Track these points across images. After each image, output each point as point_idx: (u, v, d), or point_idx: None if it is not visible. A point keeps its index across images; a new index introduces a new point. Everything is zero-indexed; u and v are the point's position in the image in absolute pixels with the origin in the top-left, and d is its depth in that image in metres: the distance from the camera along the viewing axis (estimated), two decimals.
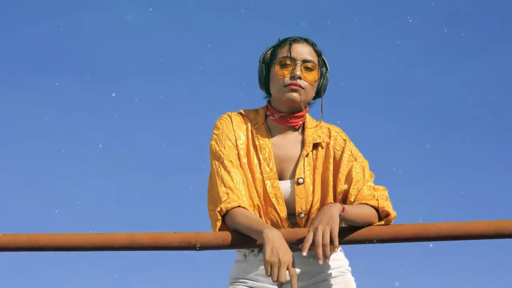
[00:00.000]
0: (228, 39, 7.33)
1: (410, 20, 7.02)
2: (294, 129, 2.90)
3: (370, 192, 2.72)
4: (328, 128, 2.91)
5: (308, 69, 2.83)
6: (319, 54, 2.89)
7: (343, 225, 2.68)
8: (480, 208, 6.59)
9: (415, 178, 6.88)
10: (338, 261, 2.88)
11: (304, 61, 2.83)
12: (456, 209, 6.46)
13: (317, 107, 2.94)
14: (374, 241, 2.67)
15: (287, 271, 2.47)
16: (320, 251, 2.48)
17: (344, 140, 2.88)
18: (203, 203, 2.90)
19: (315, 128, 2.90)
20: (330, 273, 2.85)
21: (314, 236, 2.50)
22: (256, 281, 2.84)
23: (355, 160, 2.82)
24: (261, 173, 2.81)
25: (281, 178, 2.84)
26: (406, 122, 7.21)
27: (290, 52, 2.82)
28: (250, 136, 2.86)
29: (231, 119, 2.89)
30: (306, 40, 2.88)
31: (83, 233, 2.69)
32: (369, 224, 2.66)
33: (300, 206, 2.80)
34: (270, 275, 2.46)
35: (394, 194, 2.77)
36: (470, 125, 7.16)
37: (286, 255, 2.48)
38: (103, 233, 2.69)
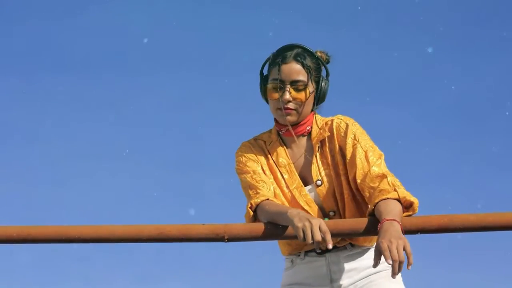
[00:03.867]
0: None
1: (421, 18, 7.03)
2: (304, 135, 2.93)
3: (379, 175, 2.71)
4: (331, 120, 2.92)
5: (297, 90, 2.84)
6: (309, 70, 2.86)
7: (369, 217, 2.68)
8: (506, 202, 6.57)
9: (442, 173, 6.87)
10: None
11: (293, 82, 2.84)
12: (481, 204, 6.44)
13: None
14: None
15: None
16: (397, 266, 2.40)
17: (347, 124, 2.88)
18: (231, 199, 2.92)
19: (320, 127, 2.92)
20: (375, 269, 2.84)
21: (390, 250, 2.41)
22: (303, 285, 2.88)
23: (358, 142, 2.82)
24: (287, 186, 2.87)
25: (306, 184, 2.88)
26: (433, 119, 7.21)
27: (279, 74, 2.84)
28: (269, 156, 2.93)
29: (249, 145, 2.98)
30: (295, 59, 2.85)
31: (112, 225, 2.69)
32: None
33: (328, 206, 2.84)
34: (305, 240, 2.47)
35: (421, 188, 2.77)
36: (495, 122, 7.15)
37: (314, 218, 2.50)
38: (131, 225, 2.69)
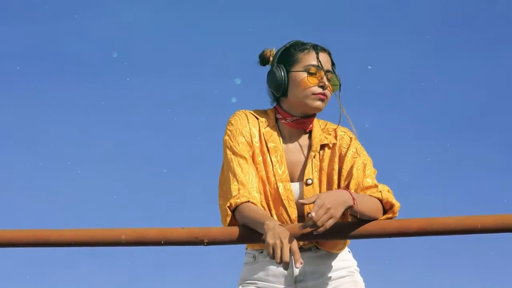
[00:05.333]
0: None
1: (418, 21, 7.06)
2: (305, 132, 2.91)
3: (371, 186, 2.73)
4: (335, 129, 2.92)
5: (329, 79, 2.85)
6: (334, 65, 2.91)
7: (351, 219, 2.69)
8: (486, 205, 6.63)
9: (423, 177, 6.90)
10: (347, 261, 2.89)
11: (327, 71, 2.85)
12: (462, 206, 6.50)
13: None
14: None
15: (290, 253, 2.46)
16: (321, 230, 2.46)
17: (350, 138, 2.90)
18: (211, 203, 2.91)
19: (322, 130, 2.92)
20: (339, 273, 2.86)
21: (317, 213, 2.45)
22: (265, 282, 2.86)
23: (359, 156, 2.83)
24: (274, 175, 2.83)
25: (291, 180, 2.86)
26: (417, 122, 7.25)
27: (320, 62, 2.84)
28: (262, 137, 2.88)
29: (246, 116, 2.91)
30: (326, 50, 2.90)
31: (91, 228, 2.68)
32: (375, 218, 2.65)
33: (309, 207, 2.80)
34: (274, 258, 2.45)
35: (403, 192, 2.78)
36: (474, 124, 7.20)
37: (286, 237, 2.47)
38: (110, 229, 2.68)
